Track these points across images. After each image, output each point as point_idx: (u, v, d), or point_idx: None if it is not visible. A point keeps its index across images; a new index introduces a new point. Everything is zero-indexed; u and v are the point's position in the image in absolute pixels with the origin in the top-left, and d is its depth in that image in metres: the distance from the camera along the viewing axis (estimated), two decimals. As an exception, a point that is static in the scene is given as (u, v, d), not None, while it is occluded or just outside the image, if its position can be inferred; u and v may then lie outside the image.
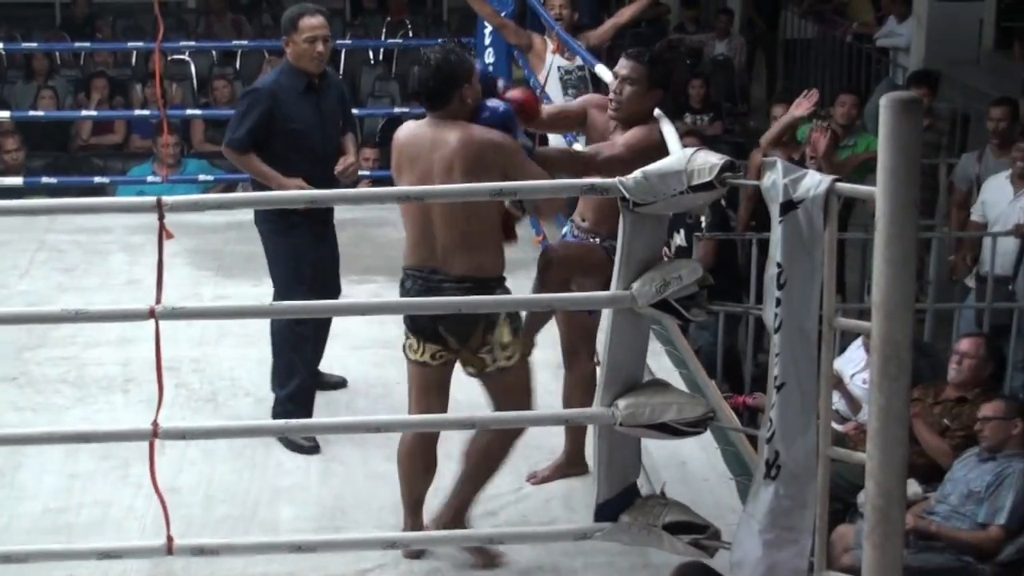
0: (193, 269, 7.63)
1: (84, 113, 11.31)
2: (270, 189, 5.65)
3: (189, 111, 10.93)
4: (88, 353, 6.50)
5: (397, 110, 11.22)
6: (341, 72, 14.05)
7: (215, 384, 6.24)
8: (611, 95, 5.17)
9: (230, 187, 10.00)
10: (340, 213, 6.06)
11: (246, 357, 6.41)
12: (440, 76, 4.70)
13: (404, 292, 4.83)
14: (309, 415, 5.77)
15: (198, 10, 16.28)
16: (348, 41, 14.01)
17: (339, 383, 6.26)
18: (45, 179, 9.17)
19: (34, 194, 8.82)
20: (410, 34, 15.36)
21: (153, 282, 3.95)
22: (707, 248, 8.23)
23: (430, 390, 4.86)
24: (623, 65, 5.13)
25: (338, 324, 6.17)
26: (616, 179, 3.94)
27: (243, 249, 7.83)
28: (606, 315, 4.11)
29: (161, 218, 4.13)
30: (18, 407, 6.02)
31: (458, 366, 4.87)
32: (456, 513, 4.93)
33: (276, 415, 5.74)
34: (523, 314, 4.89)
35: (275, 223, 5.75)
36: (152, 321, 4.10)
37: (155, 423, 3.89)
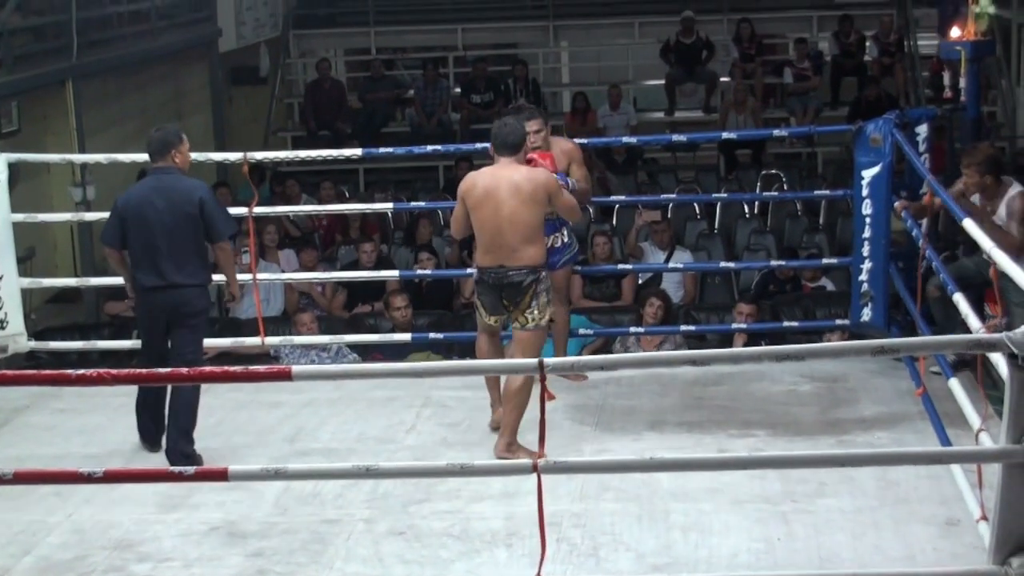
0: (574, 424, 7.73)
1: (467, 271, 11.68)
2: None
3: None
4: (472, 507, 6.62)
5: (774, 263, 11.15)
6: (716, 226, 14.14)
7: (596, 539, 6.24)
8: None
9: (608, 342, 10.13)
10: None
11: (626, 512, 6.42)
12: (519, 134, 7.27)
13: (482, 283, 7.22)
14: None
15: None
16: (723, 195, 14.02)
17: None
18: (432, 335, 9.50)
19: (420, 350, 9.13)
20: (784, 187, 15.33)
21: (532, 438, 4.02)
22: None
23: (492, 336, 7.45)
24: None
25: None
26: (1003, 334, 3.81)
27: (623, 404, 7.90)
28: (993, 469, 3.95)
29: (543, 379, 4.21)
30: (405, 560, 6.17)
31: None
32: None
33: (182, 456, 7.05)
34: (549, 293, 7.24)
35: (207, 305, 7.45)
36: (535, 475, 4.16)
37: (538, 578, 3.93)
